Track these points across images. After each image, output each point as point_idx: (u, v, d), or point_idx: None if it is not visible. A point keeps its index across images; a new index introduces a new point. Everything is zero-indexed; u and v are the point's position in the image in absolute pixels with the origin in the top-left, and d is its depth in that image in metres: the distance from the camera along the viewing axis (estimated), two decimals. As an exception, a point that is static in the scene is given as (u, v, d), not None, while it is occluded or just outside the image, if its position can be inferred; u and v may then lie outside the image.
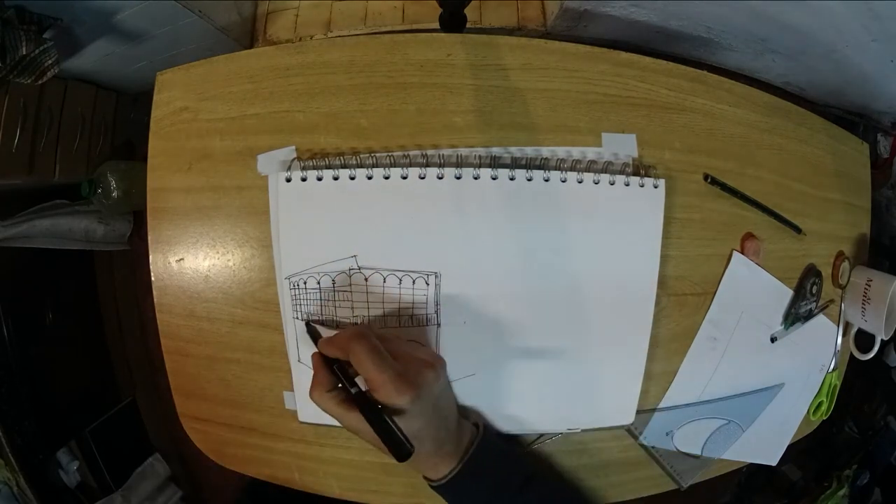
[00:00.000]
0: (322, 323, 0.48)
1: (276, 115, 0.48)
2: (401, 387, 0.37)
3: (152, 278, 0.50)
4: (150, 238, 0.50)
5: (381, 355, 0.38)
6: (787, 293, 0.59)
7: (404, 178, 0.46)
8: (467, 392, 0.50)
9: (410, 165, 0.46)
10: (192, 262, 0.50)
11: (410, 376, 0.39)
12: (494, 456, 0.45)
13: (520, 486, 0.44)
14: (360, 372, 0.39)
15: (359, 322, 0.47)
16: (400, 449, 0.37)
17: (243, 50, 1.01)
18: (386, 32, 1.06)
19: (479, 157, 0.47)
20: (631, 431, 0.55)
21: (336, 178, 0.46)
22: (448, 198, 0.46)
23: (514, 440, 0.51)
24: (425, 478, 0.45)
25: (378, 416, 0.37)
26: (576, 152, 0.49)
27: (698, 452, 0.58)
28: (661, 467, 0.57)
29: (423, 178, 0.46)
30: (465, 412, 0.49)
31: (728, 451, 0.60)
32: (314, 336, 0.45)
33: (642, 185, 0.49)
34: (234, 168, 0.49)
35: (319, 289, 0.47)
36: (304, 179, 0.46)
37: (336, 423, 0.48)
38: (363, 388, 0.39)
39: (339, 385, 0.40)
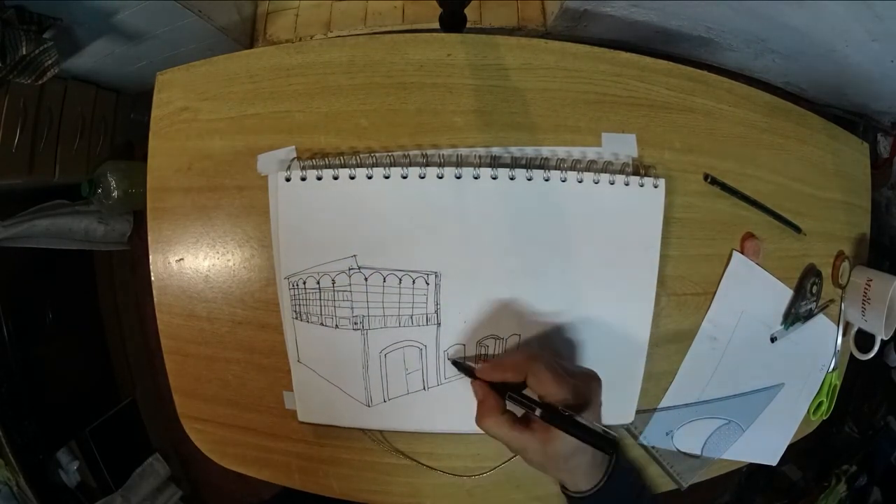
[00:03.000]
0: (322, 324, 0.48)
1: (276, 115, 0.48)
2: (578, 400, 0.39)
3: (152, 278, 0.50)
4: (150, 238, 0.50)
5: (558, 373, 0.39)
6: (787, 293, 0.59)
7: (404, 177, 0.46)
8: (469, 391, 0.50)
9: (410, 165, 0.46)
10: (192, 262, 0.50)
11: (582, 389, 0.40)
12: (625, 468, 0.44)
13: (637, 495, 0.44)
14: (538, 390, 0.39)
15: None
16: (607, 440, 0.37)
17: (243, 50, 1.01)
18: (386, 32, 1.06)
19: (479, 156, 0.47)
20: (631, 431, 0.55)
21: (336, 178, 0.46)
22: (448, 197, 0.46)
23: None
24: (566, 492, 0.42)
25: (574, 422, 0.37)
26: (576, 152, 0.49)
27: (698, 452, 0.58)
28: (661, 467, 0.57)
29: (423, 177, 0.46)
30: None
31: (728, 451, 0.60)
32: (466, 369, 0.46)
33: (642, 185, 0.49)
34: (234, 168, 0.49)
35: (319, 289, 0.47)
36: (303, 179, 0.46)
37: (336, 423, 0.48)
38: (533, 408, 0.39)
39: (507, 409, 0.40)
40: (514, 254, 0.48)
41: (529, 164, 0.48)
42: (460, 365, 0.48)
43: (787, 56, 1.04)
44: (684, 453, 0.58)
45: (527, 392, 0.41)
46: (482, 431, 0.41)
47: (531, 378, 0.39)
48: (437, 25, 0.65)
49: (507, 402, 0.41)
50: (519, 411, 0.41)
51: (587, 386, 0.41)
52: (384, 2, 1.18)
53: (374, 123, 0.48)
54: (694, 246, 0.53)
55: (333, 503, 0.54)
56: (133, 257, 1.32)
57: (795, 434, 0.65)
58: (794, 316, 0.59)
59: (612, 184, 0.48)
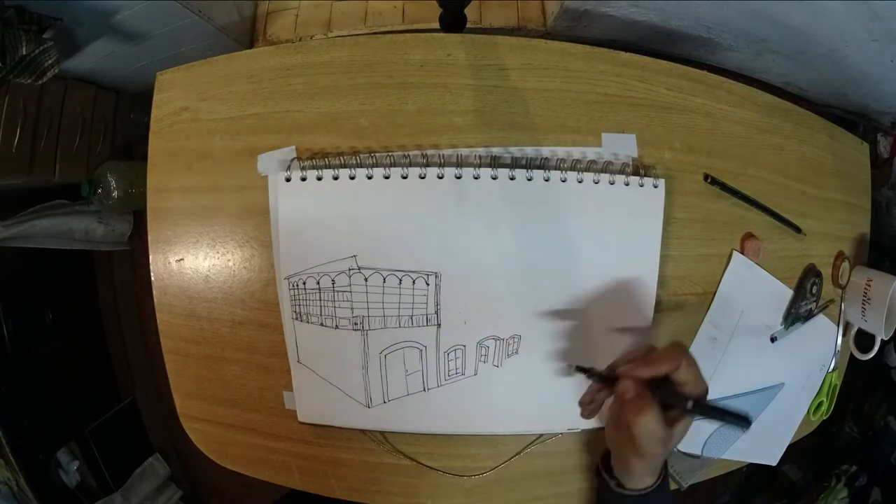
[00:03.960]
0: (322, 324, 0.48)
1: (276, 115, 0.48)
2: (705, 383, 0.42)
3: (152, 278, 0.50)
4: (150, 238, 0.50)
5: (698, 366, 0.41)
6: (787, 293, 0.59)
7: (404, 177, 0.46)
8: (468, 392, 0.50)
9: (410, 165, 0.46)
10: (192, 262, 0.50)
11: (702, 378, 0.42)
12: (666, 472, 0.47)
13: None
14: (686, 379, 0.40)
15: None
16: (744, 419, 0.39)
17: (243, 50, 1.01)
18: (386, 32, 1.06)
19: (479, 156, 0.47)
20: (631, 431, 0.55)
21: (336, 178, 0.46)
22: (448, 197, 0.46)
23: None
24: (619, 490, 0.44)
25: (718, 408, 0.40)
26: (576, 152, 0.49)
27: (698, 452, 0.58)
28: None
29: (423, 177, 0.46)
30: None
31: (728, 451, 0.60)
32: (601, 375, 0.45)
33: (642, 185, 0.49)
34: (234, 168, 0.49)
35: (319, 289, 0.47)
36: (303, 179, 0.46)
37: (336, 423, 0.48)
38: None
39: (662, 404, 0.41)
40: (514, 254, 0.48)
41: (529, 164, 0.48)
42: (592, 372, 0.46)
43: (787, 56, 1.04)
44: (684, 453, 0.58)
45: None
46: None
47: (685, 370, 0.40)
48: (437, 25, 0.66)
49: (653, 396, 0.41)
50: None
51: (704, 381, 0.43)
52: (384, 2, 1.18)
53: (374, 123, 0.48)
54: (694, 246, 0.53)
55: (335, 503, 0.54)
56: (133, 257, 1.32)
57: (795, 434, 0.65)
58: (794, 316, 0.59)
59: (612, 184, 0.48)
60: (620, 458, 0.43)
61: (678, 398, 0.40)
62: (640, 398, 0.41)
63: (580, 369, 0.46)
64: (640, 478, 0.43)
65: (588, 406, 0.45)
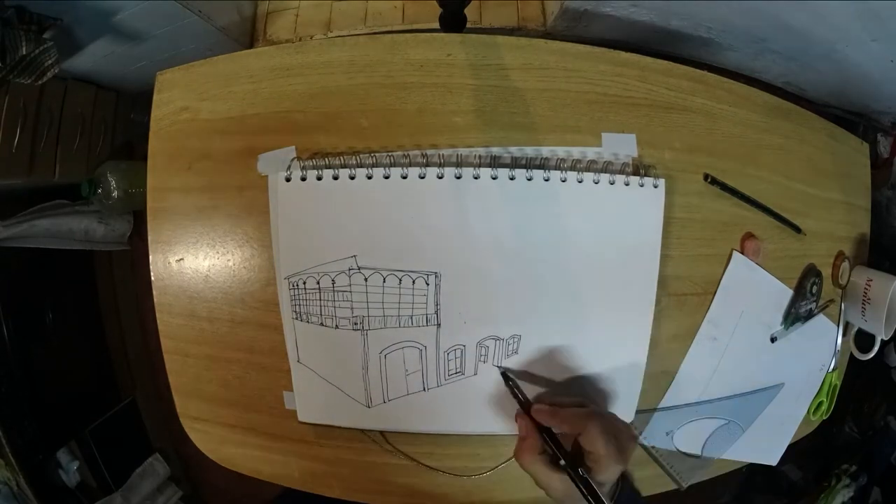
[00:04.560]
0: (322, 324, 0.48)
1: (276, 115, 0.48)
2: (618, 464, 0.41)
3: (152, 278, 0.50)
4: (150, 238, 0.50)
5: (609, 436, 0.41)
6: (787, 293, 0.59)
7: (404, 177, 0.46)
8: (468, 392, 0.50)
9: (410, 165, 0.46)
10: (192, 262, 0.50)
11: (623, 452, 0.42)
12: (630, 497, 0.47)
13: None
14: (586, 446, 0.41)
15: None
16: None
17: (243, 50, 1.01)
18: (386, 32, 1.06)
19: (479, 156, 0.47)
20: (631, 431, 0.55)
21: (336, 178, 0.46)
22: (448, 197, 0.46)
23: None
24: None
25: (589, 486, 0.40)
26: (576, 152, 0.49)
27: (698, 452, 0.58)
28: (661, 467, 0.57)
29: (423, 177, 0.46)
30: None
31: (728, 451, 0.60)
32: (518, 395, 0.47)
33: (642, 185, 0.48)
34: (234, 168, 0.49)
35: (319, 289, 0.47)
36: (303, 179, 0.46)
37: (336, 423, 0.48)
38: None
39: (547, 450, 0.43)
40: (514, 254, 0.48)
41: (529, 164, 0.48)
42: (513, 387, 0.48)
43: (787, 56, 1.04)
44: (684, 453, 0.58)
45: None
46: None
47: (586, 434, 0.41)
48: (437, 25, 0.65)
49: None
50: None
51: (626, 447, 0.43)
52: (384, 2, 1.18)
53: (374, 123, 0.48)
54: (694, 246, 0.53)
55: (334, 503, 0.54)
56: (133, 257, 1.32)
57: (795, 434, 0.65)
58: (794, 316, 0.59)
59: (612, 184, 0.48)
60: None
61: (558, 450, 0.42)
62: (526, 439, 0.44)
63: (504, 376, 0.49)
64: None
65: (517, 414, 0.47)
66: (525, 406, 0.46)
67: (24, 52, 0.75)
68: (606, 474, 0.41)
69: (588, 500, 0.40)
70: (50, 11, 0.81)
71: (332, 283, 0.47)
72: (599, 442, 0.40)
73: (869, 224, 0.68)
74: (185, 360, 0.51)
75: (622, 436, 0.42)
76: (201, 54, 0.63)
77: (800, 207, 0.59)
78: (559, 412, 0.44)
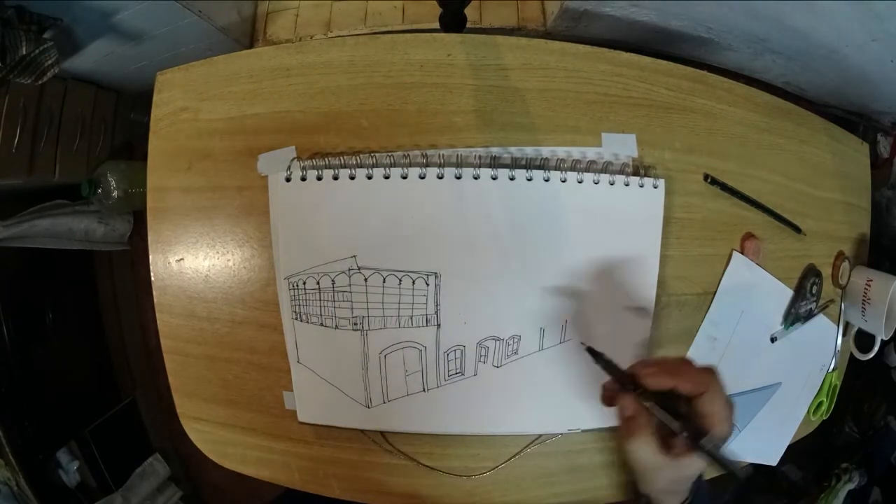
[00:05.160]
0: (322, 324, 0.48)
1: (276, 115, 0.48)
2: (731, 428, 0.36)
3: (152, 278, 0.50)
4: (150, 238, 0.50)
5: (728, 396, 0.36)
6: (787, 293, 0.59)
7: (404, 177, 0.46)
8: (468, 392, 0.50)
9: (410, 165, 0.46)
10: (192, 262, 0.50)
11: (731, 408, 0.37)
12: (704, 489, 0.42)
13: None
14: (707, 407, 0.35)
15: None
16: (739, 473, 0.35)
17: (243, 50, 1.01)
18: (386, 32, 1.06)
19: (479, 157, 0.47)
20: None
21: (336, 178, 0.46)
22: (448, 198, 0.46)
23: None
24: None
25: (719, 457, 0.35)
26: (576, 152, 0.49)
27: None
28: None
29: (423, 177, 0.46)
30: None
31: (728, 450, 0.60)
32: (615, 368, 0.40)
33: (642, 185, 0.49)
34: (234, 168, 0.49)
35: (319, 289, 0.47)
36: (303, 179, 0.46)
37: (337, 423, 0.48)
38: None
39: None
40: (514, 254, 0.48)
41: (529, 165, 0.48)
42: (606, 361, 0.41)
43: (787, 56, 1.04)
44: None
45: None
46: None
47: (709, 396, 0.35)
48: (437, 25, 0.66)
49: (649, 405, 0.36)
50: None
51: (732, 411, 0.37)
52: (384, 2, 1.18)
53: (374, 123, 0.48)
54: (694, 246, 0.53)
55: (334, 503, 0.54)
56: (133, 257, 1.32)
57: (795, 434, 0.65)
58: (794, 316, 0.59)
59: (612, 184, 0.48)
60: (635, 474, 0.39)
61: (676, 423, 0.35)
62: (635, 418, 0.37)
63: (590, 351, 0.42)
64: (663, 498, 0.38)
65: (606, 394, 0.40)
66: (624, 379, 0.38)
67: (24, 52, 0.75)
68: (726, 434, 0.35)
69: (729, 473, 0.34)
70: (50, 11, 0.81)
71: (332, 284, 0.47)
72: (723, 401, 0.35)
73: (869, 224, 0.68)
74: (185, 360, 0.51)
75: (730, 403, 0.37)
76: (201, 54, 0.63)
77: (800, 207, 0.59)
78: (681, 368, 0.36)
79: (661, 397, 0.36)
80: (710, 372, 0.36)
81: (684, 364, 0.37)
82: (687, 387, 0.36)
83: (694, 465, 0.36)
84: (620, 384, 0.39)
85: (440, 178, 0.46)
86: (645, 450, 0.36)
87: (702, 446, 0.34)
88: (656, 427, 0.36)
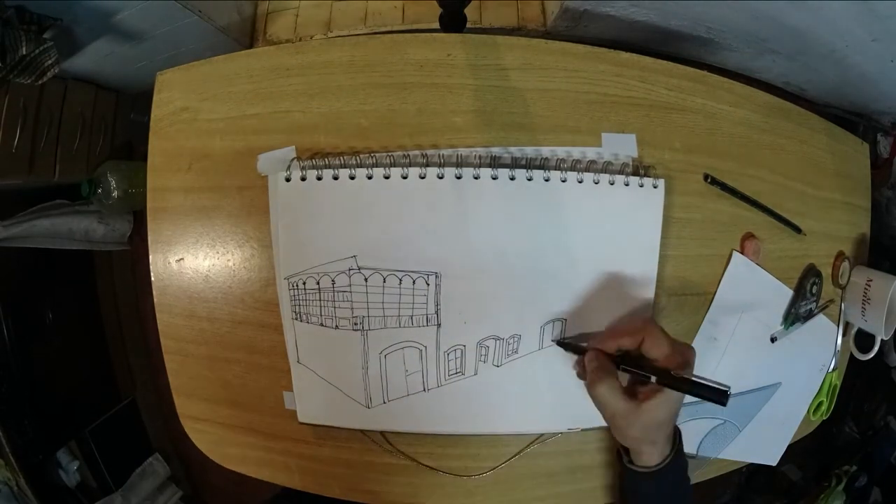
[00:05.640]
0: (322, 324, 0.48)
1: (276, 115, 0.48)
2: (691, 354, 0.41)
3: (152, 278, 0.50)
4: (150, 238, 0.50)
5: (670, 337, 0.41)
6: (787, 293, 0.59)
7: (404, 177, 0.46)
8: (468, 392, 0.50)
9: (410, 165, 0.46)
10: (192, 262, 0.50)
11: (686, 355, 0.41)
12: (681, 447, 0.46)
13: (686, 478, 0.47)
14: (653, 352, 0.40)
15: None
16: (720, 392, 0.37)
17: (243, 50, 1.01)
18: (386, 32, 1.06)
19: (479, 156, 0.47)
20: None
21: (336, 178, 0.46)
22: (448, 198, 0.46)
23: None
24: (630, 467, 0.44)
25: (688, 381, 0.38)
26: (576, 152, 0.49)
27: (693, 453, 0.58)
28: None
29: (423, 177, 0.46)
30: None
31: (728, 450, 0.60)
32: (576, 348, 0.47)
33: (642, 185, 0.48)
34: (234, 168, 0.49)
35: (319, 289, 0.47)
36: (303, 179, 0.46)
37: (337, 423, 0.48)
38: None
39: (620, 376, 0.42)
40: (514, 254, 0.48)
41: (529, 165, 0.48)
42: (568, 345, 0.48)
43: (788, 56, 1.04)
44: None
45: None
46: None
47: (649, 341, 0.41)
48: (437, 25, 0.65)
49: (619, 371, 0.42)
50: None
51: (688, 352, 0.42)
52: (384, 2, 1.18)
53: (374, 123, 0.48)
54: (694, 246, 0.53)
55: (333, 503, 0.54)
56: (133, 257, 1.32)
57: (795, 434, 0.65)
58: (794, 316, 0.59)
59: (612, 184, 0.48)
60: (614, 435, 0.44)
61: (644, 370, 0.40)
62: (598, 370, 0.42)
63: (560, 344, 0.49)
64: (643, 455, 0.43)
65: (579, 371, 0.46)
66: (580, 346, 0.46)
67: (24, 52, 0.75)
68: (681, 368, 0.40)
69: (703, 395, 0.37)
70: (50, 11, 0.81)
71: (332, 284, 0.47)
72: (665, 342, 0.40)
73: (869, 224, 0.68)
74: (185, 360, 0.51)
75: (681, 346, 0.41)
76: (201, 54, 0.63)
77: (800, 207, 0.59)
78: (616, 329, 0.43)
79: (629, 363, 0.42)
80: (644, 321, 0.42)
81: (621, 324, 0.44)
82: (628, 341, 0.42)
83: (660, 409, 0.40)
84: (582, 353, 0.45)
85: (440, 177, 0.46)
86: (612, 393, 0.41)
87: (669, 377, 0.38)
88: (628, 384, 0.42)
